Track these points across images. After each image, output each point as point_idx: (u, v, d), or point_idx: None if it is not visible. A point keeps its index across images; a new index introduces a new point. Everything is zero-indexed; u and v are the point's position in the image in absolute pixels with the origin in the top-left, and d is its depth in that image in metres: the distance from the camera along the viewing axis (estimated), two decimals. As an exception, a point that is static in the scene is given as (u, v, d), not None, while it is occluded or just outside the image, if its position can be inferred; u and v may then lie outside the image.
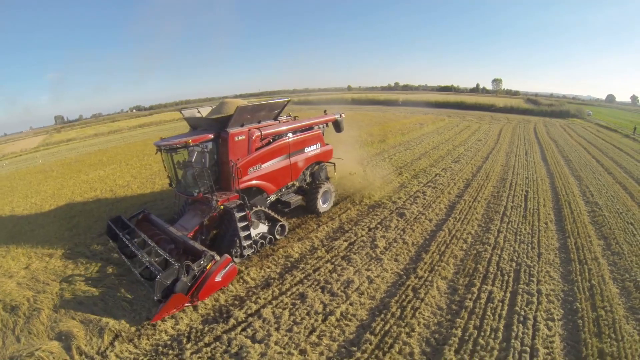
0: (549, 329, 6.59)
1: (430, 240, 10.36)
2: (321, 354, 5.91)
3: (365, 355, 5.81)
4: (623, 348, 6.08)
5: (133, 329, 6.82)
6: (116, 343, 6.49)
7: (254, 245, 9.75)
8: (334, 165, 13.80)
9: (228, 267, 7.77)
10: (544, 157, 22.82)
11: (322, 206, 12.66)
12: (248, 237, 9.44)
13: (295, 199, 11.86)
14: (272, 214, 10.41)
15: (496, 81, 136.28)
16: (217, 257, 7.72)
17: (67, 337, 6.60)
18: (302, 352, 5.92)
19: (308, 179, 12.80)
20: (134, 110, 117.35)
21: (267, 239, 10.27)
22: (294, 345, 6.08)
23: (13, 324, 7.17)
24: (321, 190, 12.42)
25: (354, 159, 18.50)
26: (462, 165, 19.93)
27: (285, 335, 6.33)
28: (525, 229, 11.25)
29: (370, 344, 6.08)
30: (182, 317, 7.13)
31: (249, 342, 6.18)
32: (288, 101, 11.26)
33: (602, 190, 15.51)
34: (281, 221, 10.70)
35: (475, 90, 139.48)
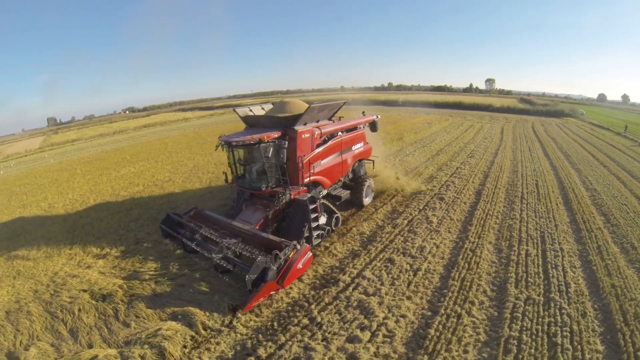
0: (574, 272, 9.28)
1: (470, 217, 13.01)
2: (421, 297, 8.19)
3: (455, 295, 8.29)
4: (626, 282, 8.78)
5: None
6: (239, 314, 7.30)
7: (321, 234, 10.63)
8: (373, 162, 15.57)
9: (307, 255, 8.47)
10: (545, 153, 25.70)
11: (366, 199, 13.84)
12: (317, 227, 10.30)
13: (344, 193, 12.68)
14: (331, 206, 11.28)
15: (489, 81, 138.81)
16: (299, 246, 8.27)
17: (185, 315, 7.17)
18: (409, 298, 8.10)
19: (350, 175, 13.86)
20: (127, 112, 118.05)
21: (327, 230, 11.04)
22: (400, 294, 8.25)
23: (113, 311, 7.57)
24: (366, 185, 13.64)
25: (381, 156, 20.88)
26: (477, 160, 22.68)
27: (391, 288, 8.44)
28: (541, 208, 13.96)
29: (455, 287, 8.61)
30: (291, 288, 8.33)
31: (364, 296, 8.10)
32: (344, 102, 12.78)
33: (599, 179, 18.36)
34: (337, 213, 11.52)
35: (469, 90, 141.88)
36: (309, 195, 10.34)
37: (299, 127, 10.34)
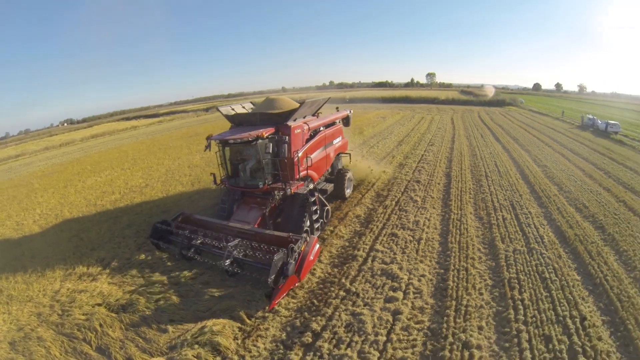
0: (543, 228, 11.36)
1: (447, 195, 14.88)
2: (431, 260, 9.55)
3: (457, 254, 9.79)
4: (585, 232, 10.98)
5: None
6: (267, 309, 7.60)
7: (320, 226, 11.22)
8: (349, 156, 16.67)
9: (317, 247, 8.82)
10: (497, 138, 29.12)
11: (347, 191, 14.54)
12: (317, 220, 10.95)
13: (329, 187, 13.24)
14: (323, 199, 11.76)
15: (430, 75, 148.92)
16: (308, 239, 8.57)
17: (225, 310, 7.50)
18: (421, 262, 9.44)
19: (329, 169, 14.32)
20: (66, 124, 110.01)
21: (321, 222, 11.44)
22: (413, 259, 9.59)
23: (141, 319, 7.49)
24: (347, 177, 14.37)
25: (349, 148, 22.32)
26: (438, 147, 25.17)
27: (404, 256, 9.76)
28: (504, 183, 16.32)
29: (455, 248, 10.15)
30: (314, 269, 9.08)
31: (384, 265, 9.30)
32: (329, 98, 13.79)
33: (546, 157, 21.57)
34: (327, 205, 12.01)
35: (410, 84, 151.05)
36: (308, 188, 10.84)
37: (291, 123, 10.72)
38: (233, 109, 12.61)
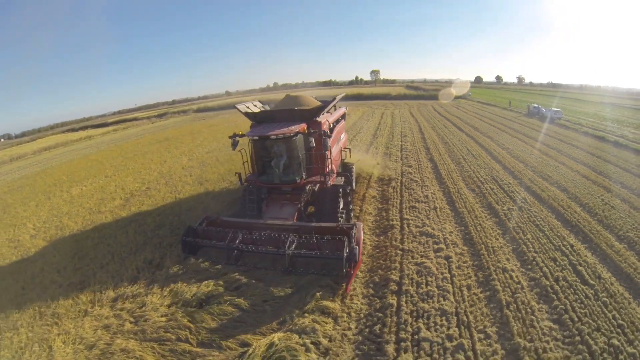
0: (523, 192, 14.73)
1: (439, 175, 17.98)
2: (450, 221, 12.26)
3: (468, 215, 12.69)
4: (555, 194, 14.51)
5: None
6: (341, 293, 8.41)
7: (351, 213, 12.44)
8: (349, 151, 17.57)
9: (362, 230, 9.79)
10: (459, 128, 33.36)
11: (354, 183, 15.33)
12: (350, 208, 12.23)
13: (341, 180, 13.19)
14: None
15: (374, 72, 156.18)
16: (357, 225, 9.33)
17: (311, 285, 8.46)
18: (444, 223, 12.14)
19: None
20: (2, 140, 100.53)
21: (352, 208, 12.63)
22: (437, 222, 12.23)
23: (234, 307, 7.87)
24: (353, 170, 15.41)
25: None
26: (412, 138, 28.64)
27: (430, 220, 12.32)
28: (481, 163, 19.79)
29: (465, 212, 13.02)
30: (363, 239, 10.58)
31: (419, 228, 11.76)
32: (344, 94, 15.73)
33: (507, 141, 25.83)
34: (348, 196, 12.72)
35: (355, 82, 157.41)
36: (342, 180, 11.98)
37: (320, 119, 11.42)
38: (248, 107, 12.88)
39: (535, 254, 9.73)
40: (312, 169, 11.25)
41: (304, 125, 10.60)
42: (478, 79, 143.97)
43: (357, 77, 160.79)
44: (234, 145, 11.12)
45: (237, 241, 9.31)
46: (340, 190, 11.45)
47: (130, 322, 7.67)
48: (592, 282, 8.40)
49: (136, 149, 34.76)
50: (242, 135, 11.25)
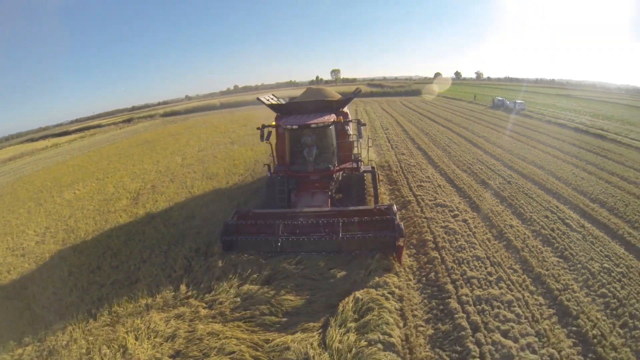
0: (507, 171, 17.39)
1: (431, 160, 20.35)
2: (456, 195, 14.79)
3: (468, 190, 15.13)
4: (531, 170, 17.29)
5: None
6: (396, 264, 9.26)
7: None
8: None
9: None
10: (433, 120, 36.37)
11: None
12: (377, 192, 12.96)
13: (368, 166, 13.82)
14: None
15: (334, 71, 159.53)
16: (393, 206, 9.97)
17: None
18: (452, 196, 14.30)
19: None
20: None
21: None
22: (445, 195, 14.20)
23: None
24: (360, 158, 16.50)
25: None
26: (394, 130, 31.19)
27: (438, 195, 14.45)
28: (464, 149, 22.43)
29: (464, 188, 15.43)
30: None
31: (433, 201, 13.91)
32: (361, 90, 16.44)
33: (482, 130, 28.90)
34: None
35: (315, 82, 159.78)
36: (370, 166, 12.87)
37: (345, 110, 12.28)
38: (269, 99, 13.27)
39: (531, 214, 12.15)
40: (342, 156, 12.03)
41: (339, 115, 11.36)
42: (437, 76, 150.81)
43: (317, 77, 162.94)
44: (265, 136, 11.75)
45: (280, 231, 9.41)
46: (370, 175, 12.57)
47: (204, 308, 7.81)
48: (578, 229, 10.89)
49: (118, 152, 34.66)
50: (273, 126, 11.96)
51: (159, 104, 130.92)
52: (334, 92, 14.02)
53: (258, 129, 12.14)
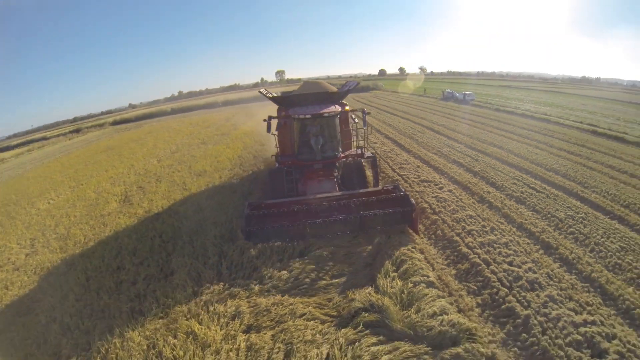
0: (471, 153, 19.95)
1: (402, 146, 22.54)
2: (435, 173, 16.97)
3: (444, 169, 17.39)
4: (493, 149, 19.99)
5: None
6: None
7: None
8: None
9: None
10: (392, 114, 38.97)
11: None
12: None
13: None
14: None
15: (279, 72, 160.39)
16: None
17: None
18: (431, 173, 16.75)
19: None
20: None
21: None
22: (426, 173, 16.76)
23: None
24: None
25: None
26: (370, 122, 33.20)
27: (421, 174, 16.70)
28: (429, 136, 24.92)
29: (440, 167, 17.63)
30: None
31: (419, 179, 16.47)
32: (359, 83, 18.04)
33: (439, 120, 31.84)
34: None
35: (260, 84, 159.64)
36: (371, 153, 13.47)
37: (344, 101, 13.00)
38: (269, 93, 14.06)
39: (502, 183, 14.50)
40: (344, 144, 12.83)
41: (341, 106, 12.15)
42: (382, 72, 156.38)
43: (262, 79, 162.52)
44: (271, 127, 12.34)
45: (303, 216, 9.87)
46: (372, 161, 13.44)
47: (255, 285, 8.15)
48: (542, 191, 13.37)
49: (81, 160, 33.22)
50: (282, 117, 12.47)
51: (102, 113, 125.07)
52: (330, 86, 14.79)
53: (264, 120, 12.87)
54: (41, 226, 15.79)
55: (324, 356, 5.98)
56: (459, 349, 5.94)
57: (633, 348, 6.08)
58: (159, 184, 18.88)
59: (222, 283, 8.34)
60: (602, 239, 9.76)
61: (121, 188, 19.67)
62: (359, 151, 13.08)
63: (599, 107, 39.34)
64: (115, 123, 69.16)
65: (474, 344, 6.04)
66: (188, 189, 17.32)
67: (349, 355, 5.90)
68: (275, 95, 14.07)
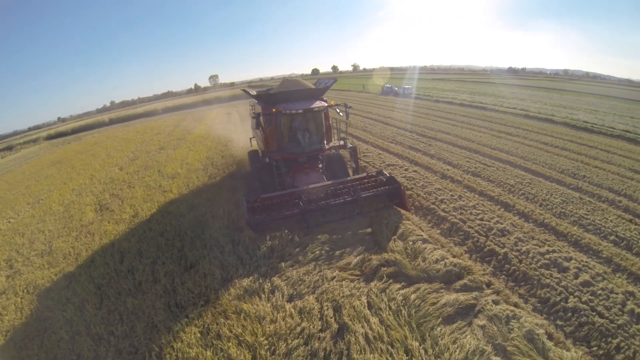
0: (423, 142, 22.33)
1: (358, 138, 24.42)
2: (396, 159, 18.85)
3: (414, 156, 19.41)
4: (446, 135, 22.53)
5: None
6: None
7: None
8: None
9: None
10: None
11: None
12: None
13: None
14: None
15: (213, 77, 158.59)
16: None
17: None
18: (394, 159, 18.57)
19: None
20: None
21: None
22: (389, 159, 18.62)
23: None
24: None
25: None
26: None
27: (384, 160, 18.72)
28: (380, 127, 27.16)
29: (399, 153, 19.67)
30: None
31: (384, 164, 18.20)
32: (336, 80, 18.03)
33: (384, 113, 34.22)
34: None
35: (194, 90, 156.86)
36: (349, 144, 14.14)
37: (324, 97, 13.69)
38: (252, 91, 14.71)
39: (457, 161, 16.79)
40: (327, 137, 13.56)
41: (331, 101, 13.02)
42: (315, 71, 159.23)
43: (195, 85, 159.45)
44: (266, 121, 12.73)
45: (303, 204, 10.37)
46: (352, 151, 14.52)
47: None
48: (491, 165, 15.85)
49: (28, 177, 30.62)
50: (272, 113, 12.35)
51: (29, 129, 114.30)
52: (308, 83, 14.93)
53: (252, 117, 13.54)
54: (12, 246, 14.82)
55: (366, 304, 7.33)
56: (465, 280, 7.71)
57: (585, 264, 8.23)
58: (133, 190, 18.64)
59: (246, 266, 8.95)
60: (547, 196, 12.20)
61: (91, 198, 19.11)
62: (342, 142, 13.96)
63: (527, 95, 45.00)
64: (50, 137, 64.02)
65: (474, 276, 7.79)
66: (168, 190, 17.29)
67: (385, 299, 7.35)
68: (257, 93, 14.63)
